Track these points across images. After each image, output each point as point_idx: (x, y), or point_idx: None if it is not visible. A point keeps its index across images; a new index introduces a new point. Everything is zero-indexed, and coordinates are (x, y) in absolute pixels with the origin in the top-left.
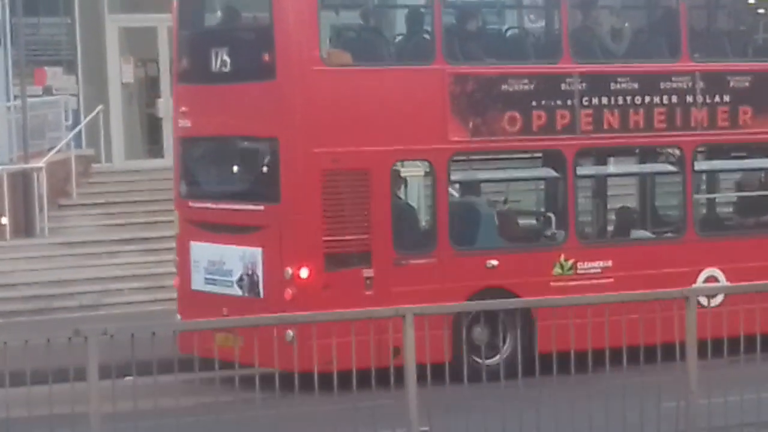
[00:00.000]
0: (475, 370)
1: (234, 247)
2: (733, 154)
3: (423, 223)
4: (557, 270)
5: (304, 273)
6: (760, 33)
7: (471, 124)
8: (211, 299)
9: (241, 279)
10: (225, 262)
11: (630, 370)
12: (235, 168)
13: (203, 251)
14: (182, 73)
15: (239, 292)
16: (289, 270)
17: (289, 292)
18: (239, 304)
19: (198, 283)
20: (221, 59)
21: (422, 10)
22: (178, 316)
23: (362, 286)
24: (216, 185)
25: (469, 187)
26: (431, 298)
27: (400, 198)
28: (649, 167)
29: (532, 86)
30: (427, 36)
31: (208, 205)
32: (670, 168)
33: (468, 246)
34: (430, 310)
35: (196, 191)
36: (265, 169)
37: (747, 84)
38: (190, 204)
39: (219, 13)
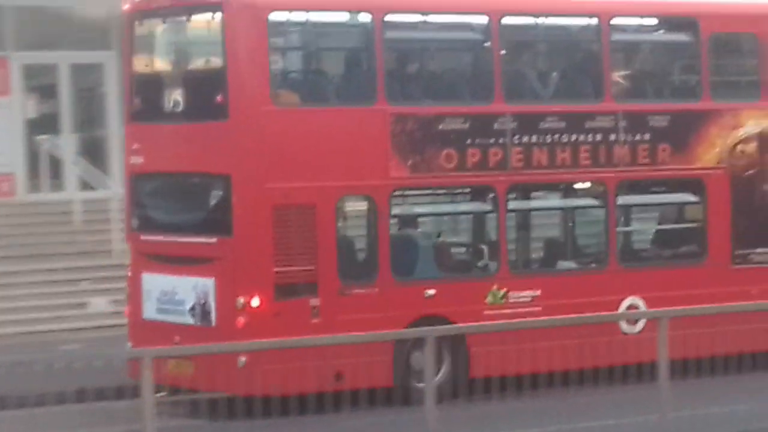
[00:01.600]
0: (415, 394)
1: (186, 277)
2: (652, 189)
3: (366, 255)
4: (490, 299)
5: (255, 302)
6: (676, 75)
7: (410, 162)
8: (162, 328)
9: (193, 308)
10: (177, 292)
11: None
12: (188, 202)
13: (155, 282)
14: (134, 113)
15: (191, 321)
16: (241, 299)
17: (241, 320)
18: (191, 333)
19: (150, 312)
20: (174, 100)
21: (365, 53)
22: (129, 344)
23: (309, 315)
24: (169, 219)
25: (409, 221)
26: (374, 326)
27: (344, 231)
28: (575, 201)
29: (466, 125)
30: (369, 78)
31: (161, 238)
32: (595, 202)
33: (407, 276)
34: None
35: (149, 225)
36: (217, 203)
37: (665, 123)
38: (142, 237)
39: (171, 56)
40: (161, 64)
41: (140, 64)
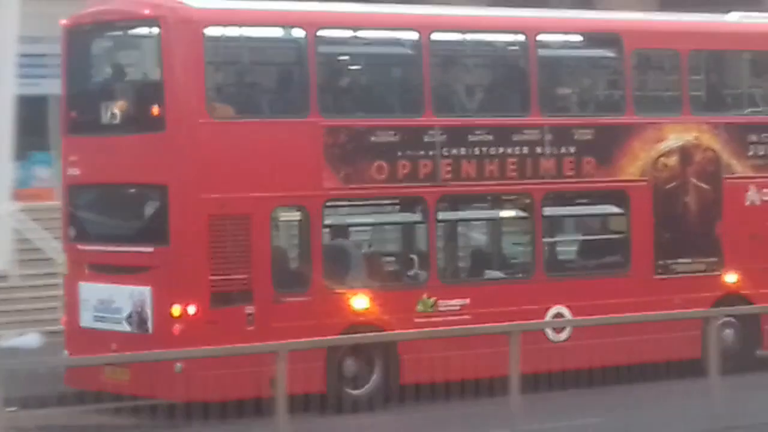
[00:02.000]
0: (347, 401)
1: (123, 286)
2: (577, 201)
3: (299, 264)
4: (420, 307)
5: (191, 310)
6: (601, 90)
7: (342, 173)
8: (100, 336)
9: (130, 316)
10: (114, 301)
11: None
12: (125, 213)
13: (92, 291)
14: (71, 125)
15: (128, 329)
16: (178, 307)
17: (177, 328)
18: (128, 340)
19: (87, 320)
20: (111, 112)
21: (298, 67)
22: (66, 352)
23: (244, 322)
24: (105, 229)
25: (341, 231)
26: (307, 334)
27: (278, 241)
28: (502, 213)
29: (397, 138)
30: (302, 91)
31: (98, 247)
32: (522, 213)
33: (340, 285)
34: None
35: (86, 235)
36: (154, 213)
37: (590, 136)
38: (79, 247)
39: (108, 69)
40: (98, 77)
41: (77, 78)
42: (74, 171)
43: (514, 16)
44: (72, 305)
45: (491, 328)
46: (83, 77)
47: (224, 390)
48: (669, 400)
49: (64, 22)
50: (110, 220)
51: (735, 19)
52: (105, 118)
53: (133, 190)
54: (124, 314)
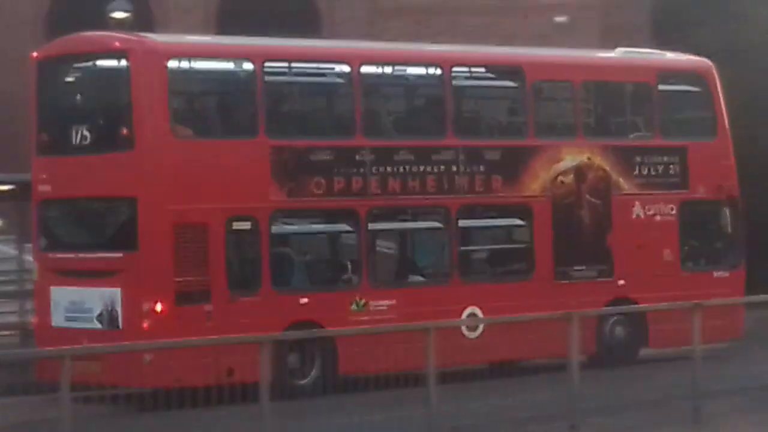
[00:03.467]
0: (291, 389)
1: (94, 288)
2: (487, 214)
3: (250, 268)
4: (354, 307)
5: (158, 307)
6: (506, 116)
7: (287, 187)
8: (71, 333)
9: (101, 314)
10: (85, 302)
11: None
12: (95, 223)
13: (64, 294)
14: (42, 147)
15: (99, 326)
16: (146, 305)
17: (146, 323)
18: (98, 336)
19: (58, 321)
20: (81, 134)
21: (248, 94)
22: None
23: (204, 318)
24: (76, 238)
25: (285, 239)
26: (257, 329)
27: (232, 247)
28: (423, 224)
29: (333, 157)
30: (252, 115)
31: (69, 255)
32: (440, 225)
33: (284, 287)
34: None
35: (56, 244)
36: (123, 222)
37: (498, 157)
38: (50, 255)
39: (78, 95)
40: (68, 103)
41: (47, 105)
42: (45, 188)
43: (432, 51)
44: (43, 308)
45: (411, 326)
46: (53, 104)
47: (188, 378)
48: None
49: (35, 54)
50: (81, 231)
51: (619, 53)
52: (75, 139)
53: (103, 203)
54: (95, 313)
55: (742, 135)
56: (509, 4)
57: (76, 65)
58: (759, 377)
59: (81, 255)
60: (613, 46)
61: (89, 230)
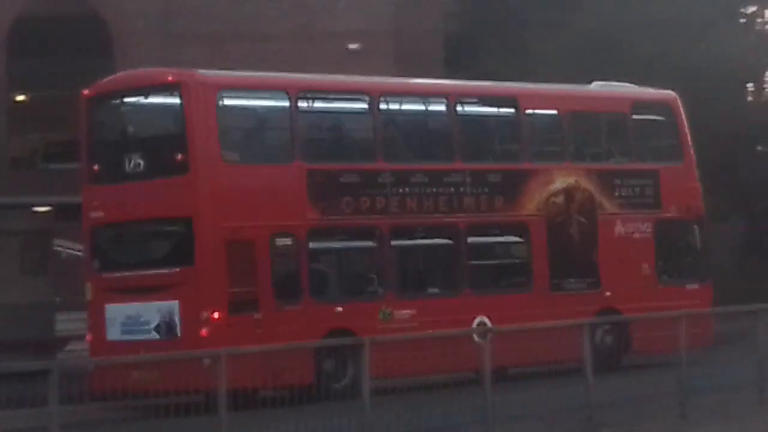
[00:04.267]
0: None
1: (150, 303)
2: (492, 232)
3: (293, 280)
4: (381, 316)
5: (216, 316)
6: (506, 142)
7: (321, 207)
8: (126, 346)
9: (158, 326)
10: (141, 316)
11: None
12: (149, 242)
13: (118, 311)
14: (92, 177)
15: (156, 337)
16: (205, 314)
17: (204, 331)
18: (155, 346)
19: (114, 335)
20: (134, 162)
21: (286, 122)
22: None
23: (254, 326)
24: (130, 258)
25: (321, 254)
26: (300, 336)
27: (277, 261)
28: (436, 240)
29: (359, 179)
30: (289, 142)
31: (124, 273)
32: (451, 241)
33: (322, 298)
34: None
35: (110, 265)
36: (179, 240)
37: (499, 179)
38: (104, 275)
39: (130, 127)
40: (119, 134)
41: (98, 136)
42: (98, 214)
43: (440, 84)
44: (97, 324)
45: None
46: (104, 137)
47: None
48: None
49: (85, 92)
50: (135, 250)
51: (597, 87)
52: (128, 167)
53: (158, 224)
54: (152, 325)
55: None
56: (305, 32)
57: (126, 100)
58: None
59: (136, 273)
60: (407, 74)
61: (143, 249)
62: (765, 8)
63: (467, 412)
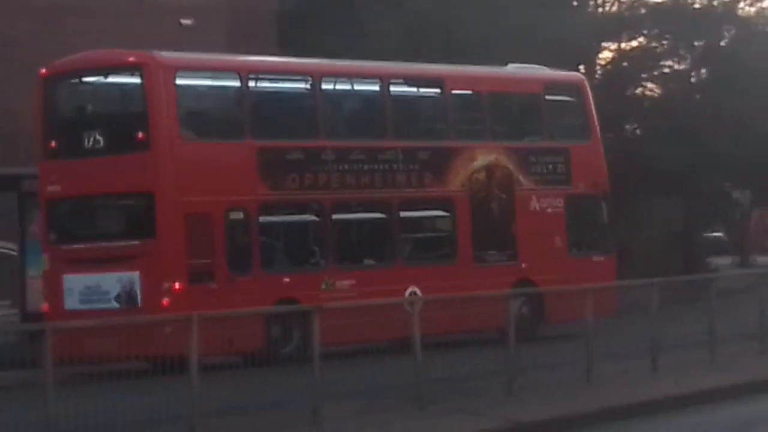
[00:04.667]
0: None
1: (110, 273)
2: (421, 206)
3: (245, 253)
4: (324, 287)
5: (177, 286)
6: (432, 121)
7: (269, 182)
8: (85, 315)
9: (118, 296)
10: (101, 286)
11: None
12: (109, 216)
13: (77, 281)
14: (50, 153)
15: (116, 306)
16: (167, 284)
17: (166, 300)
18: (115, 315)
19: (72, 304)
20: (94, 138)
21: (237, 102)
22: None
23: (210, 296)
24: (88, 230)
25: (270, 227)
26: (252, 305)
27: (230, 234)
28: (372, 215)
29: (304, 156)
30: (241, 120)
31: (82, 245)
32: (384, 216)
33: (271, 269)
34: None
35: (68, 237)
36: (141, 214)
37: (427, 156)
38: (62, 247)
39: (88, 105)
40: (78, 112)
41: (56, 114)
42: (55, 188)
43: (373, 67)
44: (54, 294)
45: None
46: (62, 114)
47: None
48: None
49: (42, 71)
50: (93, 223)
51: (512, 69)
52: (87, 144)
53: (118, 198)
54: (112, 295)
55: None
56: (138, 7)
57: (85, 79)
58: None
59: (94, 245)
60: (241, 51)
61: (102, 222)
62: None
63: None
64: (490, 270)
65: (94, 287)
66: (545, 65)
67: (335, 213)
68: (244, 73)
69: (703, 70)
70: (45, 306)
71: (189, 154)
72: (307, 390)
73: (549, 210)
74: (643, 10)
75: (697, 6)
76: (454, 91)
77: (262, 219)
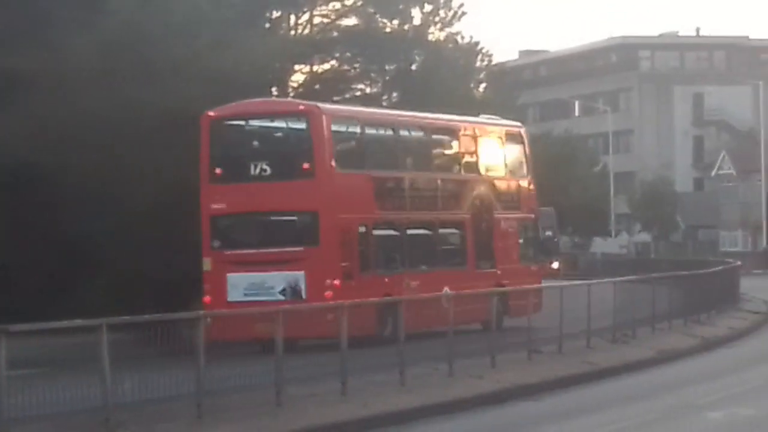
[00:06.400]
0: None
1: (276, 273)
2: (449, 225)
3: (366, 257)
4: (405, 285)
5: (336, 283)
6: (454, 158)
7: (381, 204)
8: (249, 305)
9: (283, 290)
10: (266, 282)
11: None
12: (271, 228)
13: (242, 279)
14: (217, 177)
15: (282, 298)
16: (329, 281)
17: (329, 294)
18: (280, 305)
19: (235, 296)
20: (261, 167)
21: (359, 141)
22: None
23: (351, 290)
24: (253, 238)
25: (380, 239)
26: (368, 297)
27: (360, 243)
28: (425, 231)
29: (393, 184)
30: (359, 154)
31: (246, 251)
32: (430, 231)
33: (380, 270)
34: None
35: (230, 243)
36: (306, 227)
37: (451, 186)
38: (225, 252)
39: (255, 142)
40: (244, 146)
41: (222, 147)
42: (219, 206)
43: (445, 119)
44: (216, 289)
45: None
46: (229, 147)
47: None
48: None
49: (211, 114)
50: (256, 234)
51: (483, 119)
52: (254, 171)
53: (283, 215)
54: (278, 289)
55: None
56: None
57: (252, 122)
58: None
59: (258, 250)
60: None
61: (265, 233)
62: (289, 13)
63: None
64: (484, 275)
65: (258, 284)
66: (232, 89)
67: (410, 228)
68: (364, 123)
69: (395, 93)
70: (207, 298)
71: (339, 181)
72: None
73: (510, 230)
74: (335, 33)
75: (388, 30)
76: (462, 136)
77: (375, 232)
